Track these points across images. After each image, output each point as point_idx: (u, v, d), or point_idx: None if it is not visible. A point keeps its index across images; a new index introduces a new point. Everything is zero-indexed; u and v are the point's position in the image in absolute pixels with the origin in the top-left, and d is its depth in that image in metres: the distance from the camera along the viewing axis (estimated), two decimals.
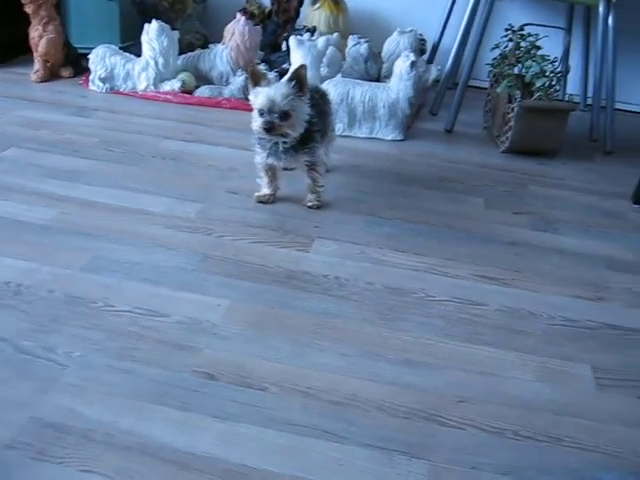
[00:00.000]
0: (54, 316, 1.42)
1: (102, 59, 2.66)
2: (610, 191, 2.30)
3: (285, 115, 1.73)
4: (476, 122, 2.76)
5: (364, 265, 1.71)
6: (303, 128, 1.79)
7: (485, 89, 2.83)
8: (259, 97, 1.73)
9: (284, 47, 2.95)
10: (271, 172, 1.92)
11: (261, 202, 1.94)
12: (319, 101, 1.91)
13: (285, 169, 1.98)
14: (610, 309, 1.65)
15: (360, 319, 1.51)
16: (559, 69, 2.41)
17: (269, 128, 1.72)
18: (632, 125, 2.95)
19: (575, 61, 2.94)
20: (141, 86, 2.69)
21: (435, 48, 3.08)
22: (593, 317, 1.61)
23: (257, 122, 1.75)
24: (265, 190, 1.95)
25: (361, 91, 2.44)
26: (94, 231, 1.74)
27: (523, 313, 1.60)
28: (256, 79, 1.76)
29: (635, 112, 3.11)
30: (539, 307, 1.62)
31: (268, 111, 1.72)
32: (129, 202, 1.89)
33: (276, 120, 1.73)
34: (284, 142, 1.80)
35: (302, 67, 1.75)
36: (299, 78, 1.74)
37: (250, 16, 2.82)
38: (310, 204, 1.93)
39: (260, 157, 1.88)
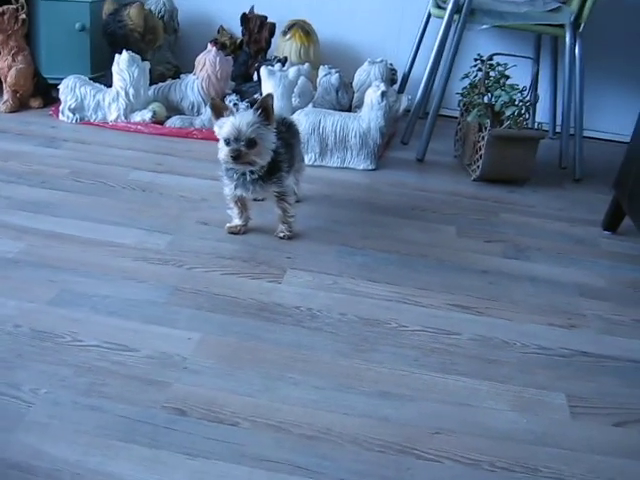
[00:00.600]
0: (20, 352, 1.38)
1: (72, 89, 2.64)
2: (580, 218, 2.32)
3: (251, 143, 1.73)
4: (447, 151, 2.78)
5: (337, 296, 1.69)
6: (270, 157, 1.79)
7: (455, 118, 2.85)
8: (224, 127, 1.73)
9: (255, 77, 2.95)
10: (241, 203, 1.91)
11: (232, 233, 1.93)
12: (286, 131, 1.90)
13: (255, 200, 1.97)
14: (583, 336, 1.65)
15: (333, 351, 1.49)
16: (528, 98, 2.44)
17: (236, 156, 1.72)
18: (600, 152, 2.99)
19: (544, 89, 2.98)
20: (111, 117, 2.67)
21: (406, 78, 3.11)
22: (566, 345, 1.61)
23: (223, 151, 1.74)
24: (236, 221, 1.93)
25: (332, 121, 2.45)
26: (62, 264, 1.71)
27: (497, 342, 1.59)
28: (218, 111, 1.75)
29: (602, 139, 3.16)
30: (513, 336, 1.62)
31: (234, 139, 1.72)
32: (98, 234, 1.86)
33: (243, 148, 1.72)
34: (251, 172, 1.79)
35: (268, 96, 1.75)
36: (265, 107, 1.74)
37: (221, 47, 2.83)
38: (281, 235, 1.92)
39: (228, 189, 1.87)
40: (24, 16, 2.67)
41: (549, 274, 1.93)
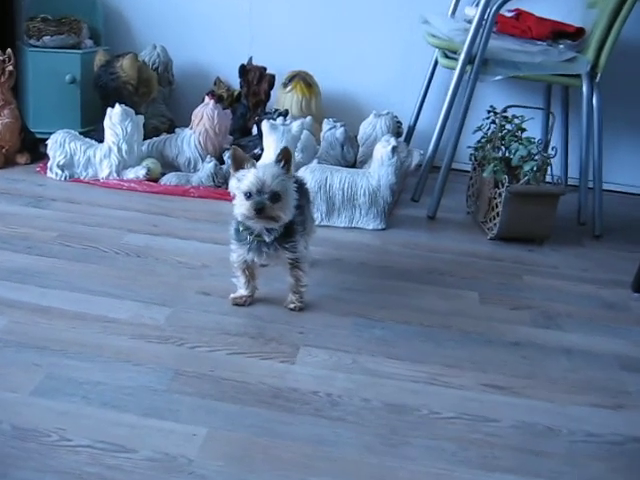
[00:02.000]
0: None
1: (61, 145, 2.48)
2: (606, 279, 2.17)
3: (276, 196, 1.58)
4: (459, 207, 2.64)
5: (358, 378, 1.51)
6: (292, 214, 1.62)
7: (466, 172, 2.72)
8: (246, 179, 1.57)
9: (255, 131, 2.81)
10: (249, 271, 1.73)
11: (237, 304, 1.75)
12: (297, 191, 1.74)
13: (262, 266, 1.79)
14: (632, 418, 1.48)
15: (359, 446, 1.30)
16: (549, 152, 2.30)
17: (260, 209, 1.55)
18: (619, 206, 2.86)
19: (555, 142, 2.85)
20: (103, 174, 2.51)
21: (411, 130, 2.98)
22: (616, 429, 1.43)
23: (244, 205, 1.58)
24: (242, 291, 1.76)
25: (340, 178, 2.30)
26: (48, 344, 1.52)
27: (540, 429, 1.41)
28: (239, 162, 1.60)
29: (621, 192, 3.02)
30: (556, 420, 1.44)
31: (257, 192, 1.56)
32: (89, 307, 1.68)
33: (267, 201, 1.55)
34: (269, 232, 1.61)
35: (287, 149, 1.62)
36: (287, 159, 1.60)
37: (218, 99, 2.70)
38: (292, 306, 1.75)
39: (237, 254, 1.70)
40: (11, 68, 2.53)
41: (584, 345, 1.76)
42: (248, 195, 1.57)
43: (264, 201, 1.56)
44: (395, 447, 1.31)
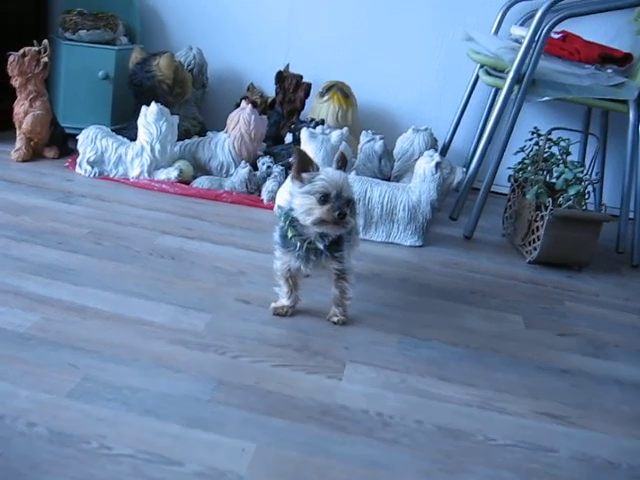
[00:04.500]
0: (35, 460, 1.11)
1: (92, 141, 2.42)
2: None
3: (350, 203, 1.51)
4: (494, 228, 2.57)
5: (409, 398, 1.43)
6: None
7: (501, 194, 2.65)
8: (319, 181, 1.48)
9: (288, 139, 2.75)
10: (292, 280, 1.66)
11: (278, 315, 1.67)
12: None
13: (305, 276, 1.71)
14: None
15: (415, 471, 1.22)
16: (594, 176, 2.24)
17: (344, 213, 1.47)
18: None
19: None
20: (134, 173, 2.44)
21: (446, 147, 2.92)
22: None
23: (319, 209, 1.48)
24: (283, 301, 1.68)
25: (380, 191, 2.23)
26: (83, 344, 1.44)
27: (600, 462, 1.33)
28: (303, 165, 1.51)
29: None
30: (616, 454, 1.37)
31: (336, 196, 1.47)
32: (125, 309, 1.60)
33: (346, 207, 1.48)
34: (323, 238, 1.54)
35: (344, 154, 1.57)
36: (345, 165, 1.54)
37: (252, 105, 2.63)
38: (336, 319, 1.67)
39: (282, 262, 1.62)
40: (46, 59, 2.46)
41: (636, 377, 1.69)
42: (324, 198, 1.48)
43: (344, 206, 1.48)
44: (453, 474, 1.23)
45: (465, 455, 1.29)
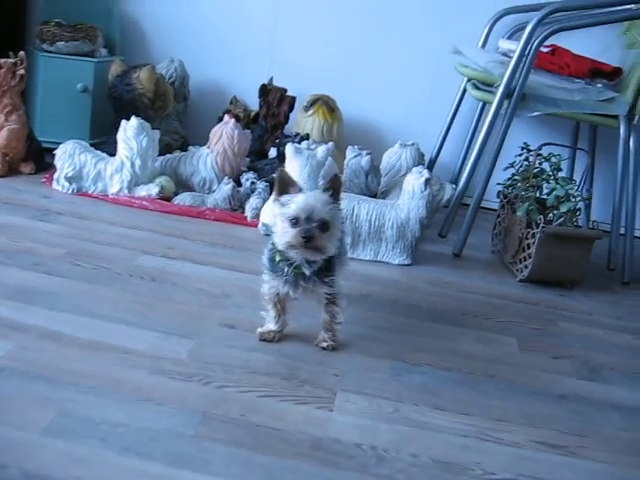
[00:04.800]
0: None
1: (71, 156, 2.34)
2: None
3: (325, 225, 1.44)
4: (483, 245, 2.52)
5: (402, 429, 1.37)
6: (337, 246, 1.49)
7: (491, 209, 2.61)
8: (293, 204, 1.43)
9: (272, 154, 2.69)
10: (281, 304, 1.59)
11: (265, 340, 1.60)
12: None
13: (293, 299, 1.64)
14: None
15: None
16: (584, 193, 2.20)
17: (309, 237, 1.41)
18: None
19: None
20: (113, 189, 2.36)
21: (432, 162, 2.87)
22: None
23: (289, 233, 1.43)
24: (271, 326, 1.61)
25: (367, 208, 2.17)
26: (60, 375, 1.36)
27: None
28: (284, 186, 1.46)
29: None
30: None
31: (306, 219, 1.42)
32: (104, 335, 1.53)
33: (315, 230, 1.42)
34: (310, 263, 1.48)
35: (337, 177, 1.50)
36: (335, 188, 1.47)
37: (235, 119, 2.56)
38: (325, 345, 1.61)
39: (270, 286, 1.56)
40: (23, 71, 2.38)
41: (634, 401, 1.65)
42: (295, 222, 1.43)
43: (313, 229, 1.42)
44: None
45: None
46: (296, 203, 1.43)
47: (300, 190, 1.46)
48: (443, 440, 1.36)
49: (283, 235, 1.45)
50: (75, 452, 1.16)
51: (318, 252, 1.45)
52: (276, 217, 1.48)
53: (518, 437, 1.41)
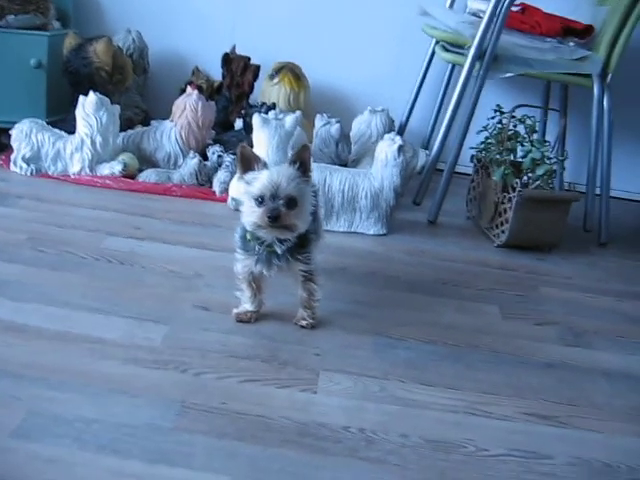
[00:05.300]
0: None
1: (27, 136, 2.22)
2: (623, 290, 2.06)
3: (292, 202, 1.37)
4: (458, 211, 2.47)
5: (390, 409, 1.32)
6: (308, 222, 1.42)
7: (465, 174, 2.56)
8: (257, 181, 1.37)
9: (238, 125, 2.60)
10: (256, 283, 1.52)
11: (242, 321, 1.54)
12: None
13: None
14: None
15: None
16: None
17: (275, 216, 1.34)
18: (624, 213, 2.73)
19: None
20: (74, 169, 2.26)
21: (403, 127, 2.81)
22: None
23: (255, 212, 1.37)
24: (246, 306, 1.55)
25: (340, 178, 2.11)
26: (26, 371, 1.29)
27: (598, 466, 1.26)
28: (247, 162, 1.39)
29: (628, 199, 2.89)
30: (612, 455, 1.30)
31: (271, 197, 1.35)
32: (72, 325, 1.45)
33: (282, 208, 1.35)
34: (281, 242, 1.41)
35: (305, 147, 1.41)
36: (303, 161, 1.39)
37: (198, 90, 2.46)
38: (304, 323, 1.55)
39: (243, 264, 1.49)
40: None
41: (620, 366, 1.63)
42: (260, 200, 1.36)
43: (279, 207, 1.35)
44: None
45: (458, 470, 1.19)
46: (260, 181, 1.36)
47: (265, 165, 1.39)
48: (432, 417, 1.32)
49: (250, 215, 1.38)
50: (47, 453, 1.09)
51: (287, 230, 1.39)
52: (242, 196, 1.41)
53: (507, 410, 1.38)
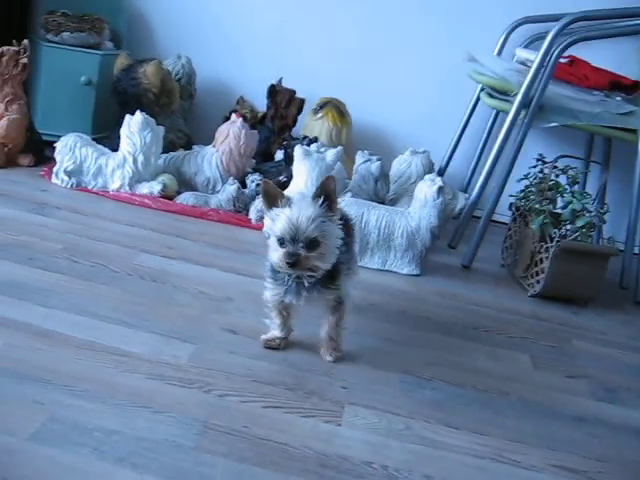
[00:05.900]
0: None
1: (71, 149, 2.26)
2: None
3: (313, 243, 1.34)
4: (492, 258, 2.44)
5: (414, 448, 1.29)
6: (335, 258, 1.40)
7: (501, 223, 2.53)
8: (278, 222, 1.35)
9: (278, 156, 2.61)
10: (285, 311, 1.51)
11: (269, 348, 1.52)
12: (344, 227, 1.50)
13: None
14: None
15: None
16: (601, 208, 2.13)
17: (294, 263, 1.33)
18: None
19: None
20: (114, 185, 2.28)
21: (442, 171, 2.80)
22: None
23: (277, 253, 1.35)
24: (275, 333, 1.53)
25: (377, 215, 2.10)
26: (51, 376, 1.28)
27: None
28: (271, 198, 1.37)
29: None
30: None
31: (291, 240, 1.33)
32: (100, 336, 1.44)
33: (302, 251, 1.33)
34: (310, 276, 1.39)
35: (330, 179, 1.37)
36: (328, 194, 1.36)
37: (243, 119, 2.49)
38: (329, 358, 1.52)
39: (273, 293, 1.47)
40: (26, 60, 2.31)
41: None
42: (281, 242, 1.35)
43: (298, 252, 1.33)
44: None
45: None
46: (280, 221, 1.34)
47: (288, 201, 1.36)
48: (457, 461, 1.28)
49: (273, 254, 1.37)
50: (66, 460, 1.08)
51: (309, 272, 1.37)
52: (269, 231, 1.40)
53: (535, 460, 1.34)
